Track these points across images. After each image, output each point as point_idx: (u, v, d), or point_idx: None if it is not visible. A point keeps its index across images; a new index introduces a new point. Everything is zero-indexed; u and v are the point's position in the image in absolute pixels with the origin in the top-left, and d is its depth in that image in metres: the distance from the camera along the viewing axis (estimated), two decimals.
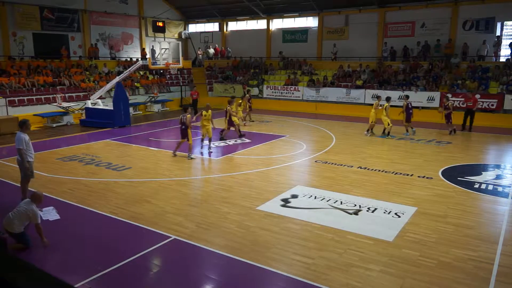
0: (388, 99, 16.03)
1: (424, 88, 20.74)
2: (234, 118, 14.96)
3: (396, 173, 10.58)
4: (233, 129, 15.17)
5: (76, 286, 5.14)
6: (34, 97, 19.56)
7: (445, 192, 9.10)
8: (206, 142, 13.32)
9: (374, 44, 25.02)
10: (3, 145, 14.09)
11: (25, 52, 22.76)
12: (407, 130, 16.08)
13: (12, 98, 18.70)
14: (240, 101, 18.13)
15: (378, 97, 16.57)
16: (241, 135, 15.25)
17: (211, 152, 12.95)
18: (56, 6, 23.75)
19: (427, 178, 10.18)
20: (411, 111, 15.92)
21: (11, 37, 22.14)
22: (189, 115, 12.18)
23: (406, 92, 20.65)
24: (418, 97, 20.50)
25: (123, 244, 6.55)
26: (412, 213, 7.77)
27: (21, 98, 19.09)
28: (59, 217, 7.04)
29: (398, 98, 20.93)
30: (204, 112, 12.94)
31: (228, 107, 15.06)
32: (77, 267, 5.83)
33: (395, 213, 7.77)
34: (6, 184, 9.68)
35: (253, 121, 19.48)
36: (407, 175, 10.45)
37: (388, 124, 15.31)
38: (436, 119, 19.48)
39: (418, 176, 10.31)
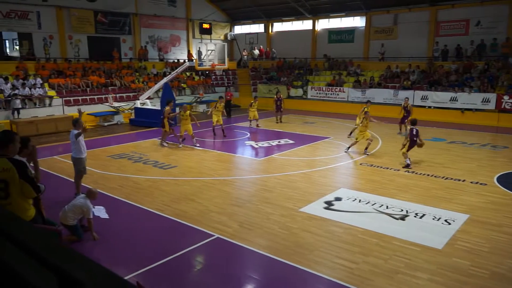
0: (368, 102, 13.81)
1: (479, 89, 19.69)
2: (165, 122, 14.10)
3: (447, 178, 10.12)
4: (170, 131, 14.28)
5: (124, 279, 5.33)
6: (88, 97, 20.56)
7: (501, 200, 8.58)
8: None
9: (425, 43, 24.09)
10: (59, 143, 14.92)
11: (80, 54, 24.00)
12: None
13: (68, 98, 19.77)
14: (252, 102, 18.19)
15: (366, 113, 13.32)
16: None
17: (198, 146, 13.93)
18: (109, 10, 24.86)
19: (480, 184, 9.65)
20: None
21: (67, 40, 23.44)
22: (167, 107, 14.06)
23: (459, 93, 19.80)
24: (471, 99, 19.52)
25: (168, 241, 6.72)
26: (463, 221, 7.40)
27: (76, 98, 20.14)
28: (108, 217, 7.35)
29: (450, 100, 20.09)
30: (182, 113, 13.90)
31: (167, 108, 14.38)
32: (124, 260, 6.05)
33: (445, 220, 7.43)
34: (61, 179, 10.24)
35: (281, 122, 19.22)
36: (459, 180, 9.96)
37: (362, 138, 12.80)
38: (492, 122, 18.50)
39: (471, 182, 9.80)
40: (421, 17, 24.05)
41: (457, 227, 7.13)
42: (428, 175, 10.42)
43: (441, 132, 16.59)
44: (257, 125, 17.98)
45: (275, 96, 19.75)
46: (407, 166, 11.18)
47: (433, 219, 7.51)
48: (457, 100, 19.96)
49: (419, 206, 8.12)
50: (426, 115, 19.31)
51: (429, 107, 20.60)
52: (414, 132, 11.58)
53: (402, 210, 7.93)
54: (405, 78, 22.61)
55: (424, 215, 7.69)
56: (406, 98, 16.64)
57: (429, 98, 20.70)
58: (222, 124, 15.99)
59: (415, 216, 7.63)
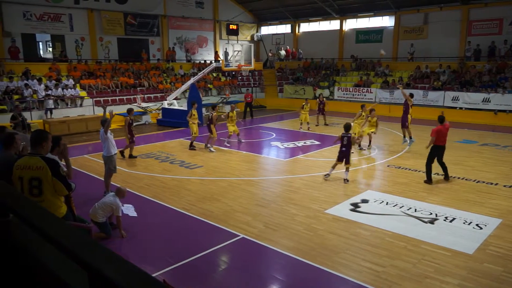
0: (362, 106, 13.38)
1: None
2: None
3: (478, 181, 9.81)
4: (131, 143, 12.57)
5: None
6: (117, 98, 21.04)
7: None
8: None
9: (456, 43, 23.43)
10: (89, 142, 15.34)
11: (110, 55, 24.60)
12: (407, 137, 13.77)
13: (98, 98, 20.29)
14: (303, 104, 17.33)
15: (363, 106, 13.53)
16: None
17: (227, 145, 14.24)
18: (138, 12, 25.38)
19: None
20: None
21: (98, 41, 24.08)
22: (215, 113, 13.72)
23: (492, 94, 19.11)
24: (505, 100, 18.85)
25: (194, 240, 6.79)
26: (496, 225, 7.15)
27: (106, 98, 20.64)
28: (136, 215, 7.49)
29: (482, 101, 19.47)
30: (230, 114, 14.39)
31: (214, 114, 13.69)
32: (151, 258, 6.16)
33: (476, 224, 7.20)
34: (91, 177, 10.52)
35: (326, 124, 18.62)
36: (491, 184, 9.63)
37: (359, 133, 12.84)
38: None
39: (504, 186, 9.46)
40: (452, 16, 23.41)
41: (489, 232, 6.90)
42: (459, 178, 10.13)
43: (472, 134, 16.09)
44: (308, 128, 17.34)
45: (318, 99, 18.99)
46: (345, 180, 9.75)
47: (464, 223, 7.29)
48: (490, 101, 19.32)
49: (449, 210, 7.91)
50: (457, 116, 18.79)
51: (460, 108, 20.04)
52: (345, 142, 9.78)
53: (431, 214, 7.73)
54: (435, 79, 22.05)
55: (454, 219, 7.48)
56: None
57: (460, 99, 20.14)
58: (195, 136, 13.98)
59: (444, 220, 7.43)
